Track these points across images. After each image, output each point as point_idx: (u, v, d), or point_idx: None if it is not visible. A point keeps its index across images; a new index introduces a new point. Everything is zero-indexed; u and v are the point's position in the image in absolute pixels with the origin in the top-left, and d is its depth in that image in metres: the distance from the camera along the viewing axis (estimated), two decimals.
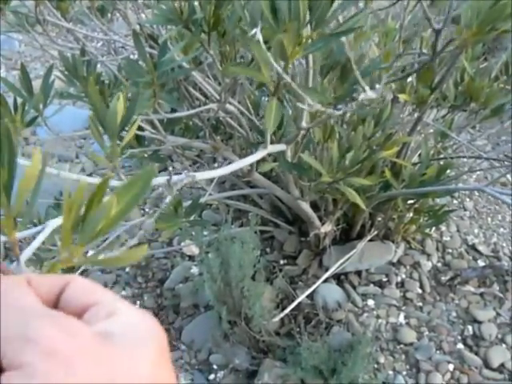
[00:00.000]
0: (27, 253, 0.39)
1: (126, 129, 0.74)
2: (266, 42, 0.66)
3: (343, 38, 1.07)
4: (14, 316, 0.28)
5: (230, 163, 0.77)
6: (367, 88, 0.59)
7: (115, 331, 0.30)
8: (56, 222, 0.44)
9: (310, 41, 0.64)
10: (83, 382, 0.27)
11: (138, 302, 1.90)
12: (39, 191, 0.29)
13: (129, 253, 0.31)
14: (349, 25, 0.71)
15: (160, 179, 0.64)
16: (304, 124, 0.96)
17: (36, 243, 0.41)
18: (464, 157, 1.80)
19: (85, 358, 0.27)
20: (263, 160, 1.36)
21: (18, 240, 0.31)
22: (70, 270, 1.36)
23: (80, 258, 0.30)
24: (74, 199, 0.29)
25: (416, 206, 1.67)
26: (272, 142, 0.98)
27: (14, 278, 0.31)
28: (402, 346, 1.63)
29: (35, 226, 1.44)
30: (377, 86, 0.66)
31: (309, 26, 0.64)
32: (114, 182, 0.59)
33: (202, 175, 0.68)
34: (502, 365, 1.56)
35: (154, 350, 0.31)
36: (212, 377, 1.64)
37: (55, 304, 0.32)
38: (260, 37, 0.58)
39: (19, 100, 1.01)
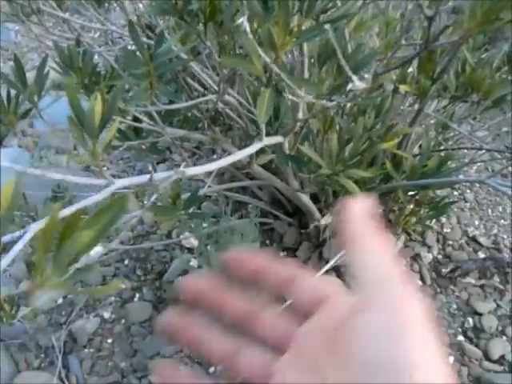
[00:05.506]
0: (9, 256, 0.38)
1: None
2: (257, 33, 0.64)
3: (343, 29, 1.06)
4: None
5: (229, 155, 0.75)
6: (355, 78, 0.58)
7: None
8: (36, 227, 0.43)
9: (301, 30, 0.63)
10: None
11: (137, 295, 1.89)
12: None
13: (104, 287, 0.30)
14: (341, 12, 0.69)
15: (141, 178, 0.61)
16: (300, 115, 0.94)
17: (16, 249, 0.40)
18: (465, 148, 1.79)
19: None
20: (262, 151, 1.34)
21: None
22: None
23: (53, 283, 0.29)
24: (46, 230, 0.28)
25: (417, 197, 1.66)
26: (269, 134, 0.96)
27: None
28: None
29: (32, 219, 1.42)
30: (365, 75, 0.64)
31: (299, 15, 0.62)
32: (98, 181, 0.57)
33: (195, 170, 0.66)
34: (503, 357, 1.55)
35: None
36: (212, 369, 1.63)
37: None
38: (247, 26, 0.57)
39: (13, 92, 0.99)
